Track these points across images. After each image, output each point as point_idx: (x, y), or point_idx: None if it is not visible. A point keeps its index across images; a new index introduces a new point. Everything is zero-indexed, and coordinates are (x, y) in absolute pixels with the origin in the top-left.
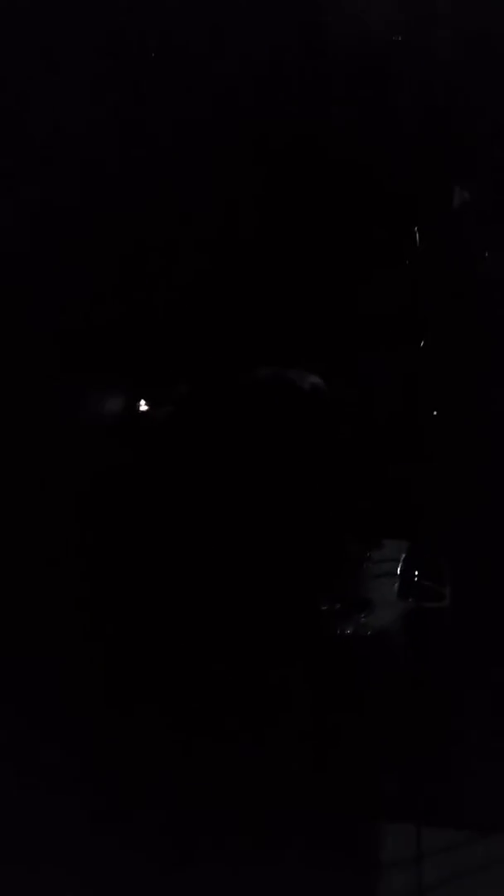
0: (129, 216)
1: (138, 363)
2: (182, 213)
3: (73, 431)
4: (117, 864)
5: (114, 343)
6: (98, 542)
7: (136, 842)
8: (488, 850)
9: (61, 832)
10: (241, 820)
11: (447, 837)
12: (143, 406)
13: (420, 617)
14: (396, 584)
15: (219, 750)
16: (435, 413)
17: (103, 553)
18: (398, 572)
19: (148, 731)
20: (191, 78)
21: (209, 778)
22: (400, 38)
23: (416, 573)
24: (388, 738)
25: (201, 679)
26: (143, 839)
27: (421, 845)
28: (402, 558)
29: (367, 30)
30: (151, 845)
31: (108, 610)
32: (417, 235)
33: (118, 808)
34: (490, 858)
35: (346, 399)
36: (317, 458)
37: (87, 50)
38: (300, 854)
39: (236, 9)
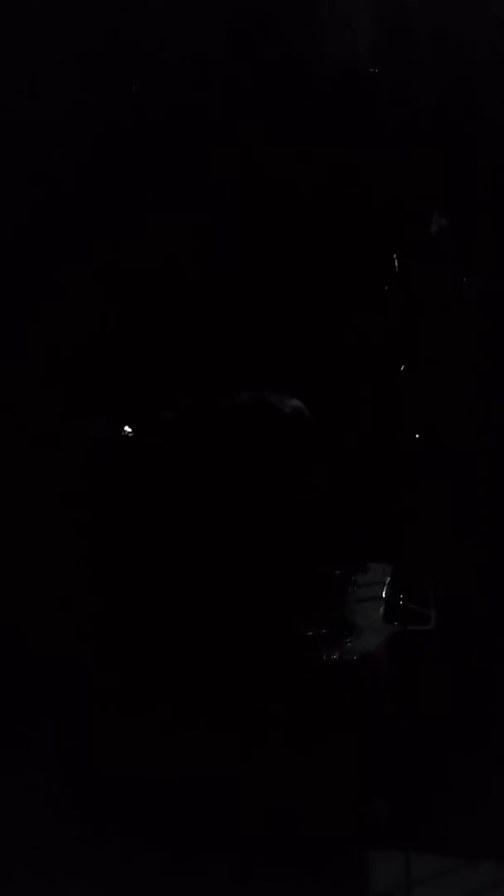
0: (110, 242)
1: (122, 388)
2: (165, 238)
3: (58, 456)
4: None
5: (97, 368)
6: (80, 566)
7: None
8: (476, 877)
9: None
10: (228, 847)
11: (436, 865)
12: (126, 430)
13: (406, 640)
14: (382, 608)
15: (203, 774)
16: (417, 436)
17: (85, 578)
18: (383, 596)
19: (139, 749)
20: (172, 102)
21: (195, 801)
22: (377, 70)
23: (402, 596)
24: (376, 763)
25: (184, 704)
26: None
27: (410, 873)
28: (387, 581)
29: (351, 58)
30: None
31: (91, 632)
32: (396, 261)
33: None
34: (478, 886)
35: (328, 422)
36: (299, 482)
37: (71, 73)
38: (288, 883)
39: (219, 32)
